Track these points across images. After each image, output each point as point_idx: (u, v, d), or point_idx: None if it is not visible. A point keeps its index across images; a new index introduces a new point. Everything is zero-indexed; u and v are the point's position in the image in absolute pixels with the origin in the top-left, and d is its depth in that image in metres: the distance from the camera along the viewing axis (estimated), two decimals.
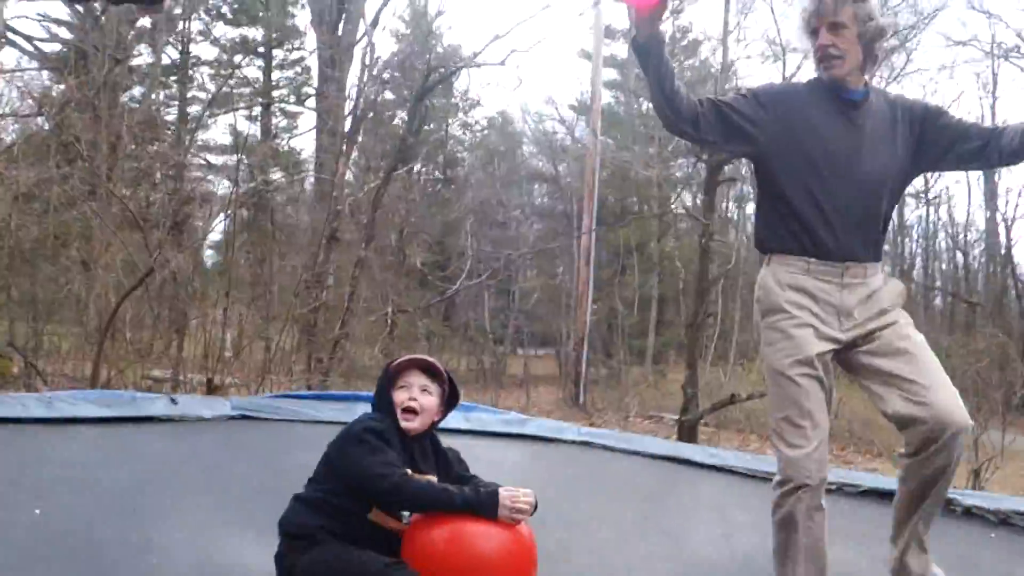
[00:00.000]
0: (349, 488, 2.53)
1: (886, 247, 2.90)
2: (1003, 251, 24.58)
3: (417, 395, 2.66)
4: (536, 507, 2.50)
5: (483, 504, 2.44)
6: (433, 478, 2.59)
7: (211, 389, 6.99)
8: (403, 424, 2.63)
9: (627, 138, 24.60)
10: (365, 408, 3.95)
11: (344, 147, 9.87)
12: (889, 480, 5.34)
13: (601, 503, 4.26)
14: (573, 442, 5.51)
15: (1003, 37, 30.99)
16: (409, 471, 2.52)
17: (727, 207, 25.35)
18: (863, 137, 2.59)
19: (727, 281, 20.03)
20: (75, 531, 2.81)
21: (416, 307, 12.03)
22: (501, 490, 2.47)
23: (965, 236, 29.21)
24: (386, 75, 11.06)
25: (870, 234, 2.62)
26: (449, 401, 2.79)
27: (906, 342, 2.57)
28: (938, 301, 30.37)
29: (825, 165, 2.54)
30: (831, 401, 2.61)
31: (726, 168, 9.30)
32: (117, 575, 2.47)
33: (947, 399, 2.47)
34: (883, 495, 4.59)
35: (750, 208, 27.02)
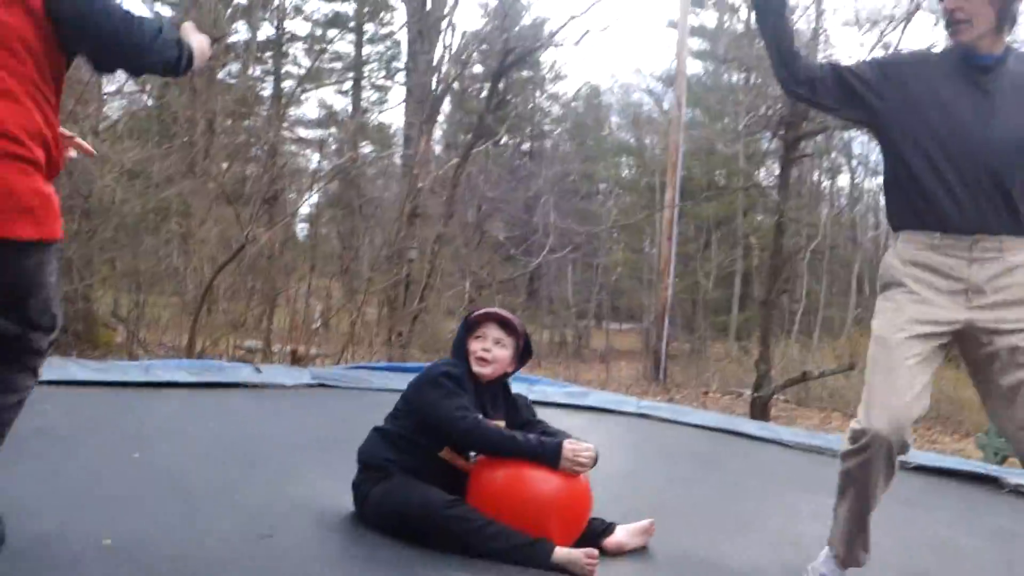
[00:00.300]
0: (424, 426, 2.79)
1: None
2: None
3: (491, 346, 2.90)
4: (596, 460, 2.73)
5: (547, 454, 2.68)
6: (502, 423, 2.85)
7: (295, 359, 7.35)
8: (475, 370, 2.89)
9: (714, 110, 24.24)
10: None
11: (424, 126, 10.10)
12: (952, 459, 5.40)
13: (651, 465, 4.53)
14: (631, 414, 5.76)
15: None
16: (481, 416, 2.77)
17: (819, 179, 24.76)
18: (992, 103, 2.43)
19: (814, 256, 19.67)
20: (167, 472, 3.14)
21: (496, 281, 12.25)
22: (565, 442, 2.72)
23: None
24: (465, 55, 11.24)
25: (1004, 204, 2.41)
26: (522, 356, 3.03)
27: None
28: None
29: (948, 134, 2.41)
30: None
31: (803, 144, 9.21)
32: (202, 508, 2.76)
33: None
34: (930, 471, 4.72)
35: (842, 180, 26.34)
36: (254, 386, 5.01)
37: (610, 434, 5.18)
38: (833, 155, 21.64)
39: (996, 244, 2.42)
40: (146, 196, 8.62)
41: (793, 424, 9.18)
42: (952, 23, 2.43)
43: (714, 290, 21.79)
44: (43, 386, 2.33)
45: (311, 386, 5.23)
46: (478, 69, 16.52)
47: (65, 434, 3.45)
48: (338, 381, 5.36)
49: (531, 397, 5.17)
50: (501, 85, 10.81)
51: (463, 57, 11.44)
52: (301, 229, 15.49)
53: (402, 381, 5.29)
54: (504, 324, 2.94)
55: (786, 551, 3.02)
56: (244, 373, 5.16)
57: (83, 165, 7.28)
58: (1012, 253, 2.43)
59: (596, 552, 2.63)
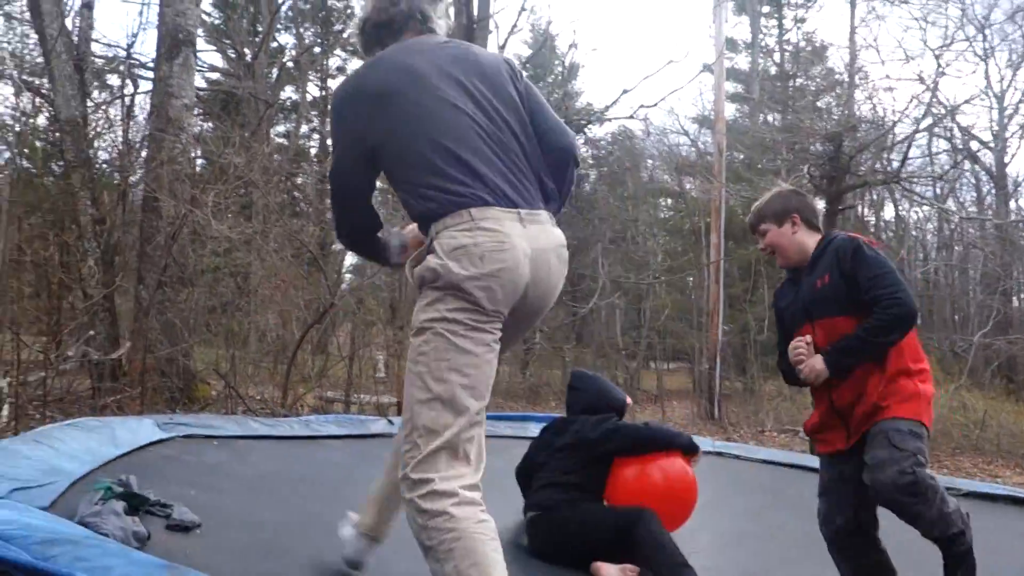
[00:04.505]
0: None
1: None
2: None
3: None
4: None
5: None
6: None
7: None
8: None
9: (751, 152, 24.54)
10: (536, 426, 5.00)
11: None
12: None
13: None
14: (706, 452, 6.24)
15: None
16: None
17: (863, 212, 24.92)
18: None
19: None
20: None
21: (549, 328, 12.74)
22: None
23: None
24: None
25: None
26: None
27: None
28: None
29: None
30: None
31: (846, 197, 9.58)
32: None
33: None
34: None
35: (888, 212, 26.58)
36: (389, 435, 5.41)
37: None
38: (875, 191, 21.83)
39: None
40: (228, 259, 9.18)
41: None
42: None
43: (764, 330, 21.96)
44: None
45: None
46: None
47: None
48: None
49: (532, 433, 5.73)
50: None
51: None
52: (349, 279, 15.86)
53: (507, 428, 5.79)
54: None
55: None
56: (380, 425, 5.61)
57: (181, 240, 7.90)
58: None
59: (633, 567, 3.39)
